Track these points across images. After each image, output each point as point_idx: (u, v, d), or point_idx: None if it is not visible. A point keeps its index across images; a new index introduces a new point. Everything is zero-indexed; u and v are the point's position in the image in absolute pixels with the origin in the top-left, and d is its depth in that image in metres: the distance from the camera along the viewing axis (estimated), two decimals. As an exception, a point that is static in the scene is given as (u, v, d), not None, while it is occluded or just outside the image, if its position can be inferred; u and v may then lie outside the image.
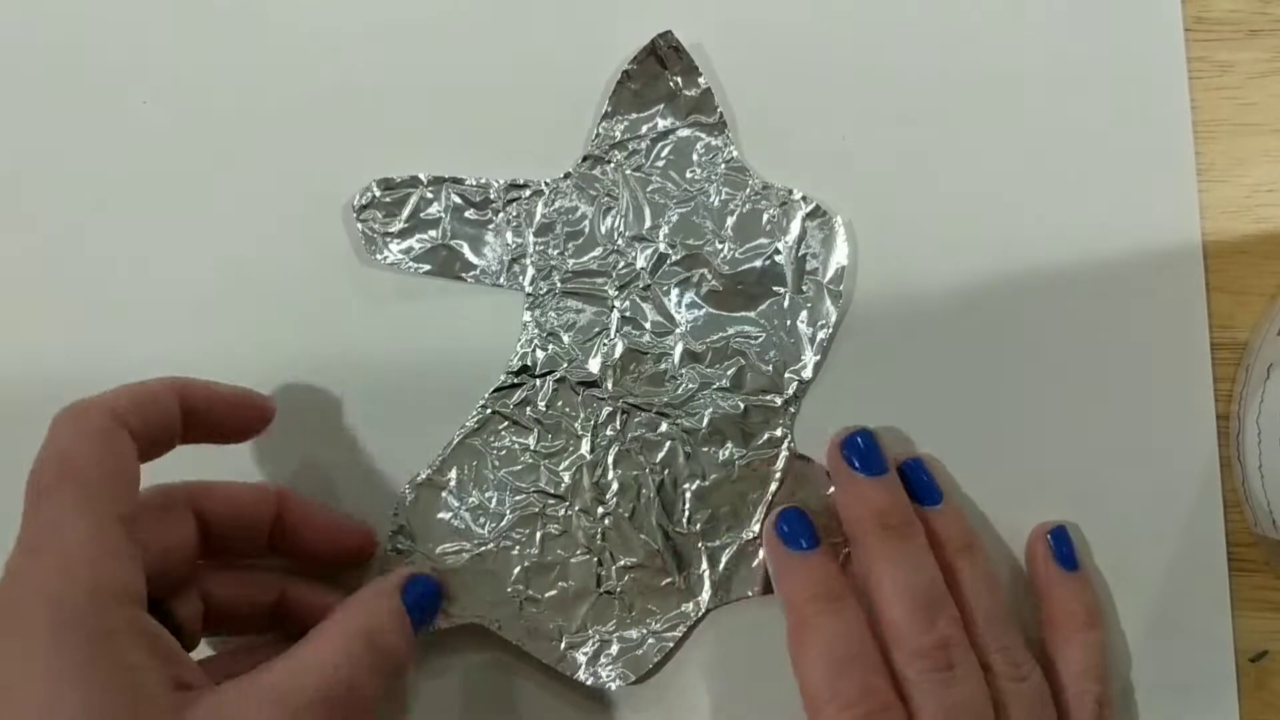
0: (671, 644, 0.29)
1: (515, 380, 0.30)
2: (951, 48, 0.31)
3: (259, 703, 0.22)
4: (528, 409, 0.30)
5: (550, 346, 0.30)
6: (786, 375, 0.30)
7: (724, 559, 0.29)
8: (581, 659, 0.29)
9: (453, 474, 0.30)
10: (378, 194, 0.30)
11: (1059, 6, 0.31)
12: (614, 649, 0.29)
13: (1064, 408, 0.30)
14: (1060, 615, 0.28)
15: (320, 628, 0.25)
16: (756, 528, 0.29)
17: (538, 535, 0.30)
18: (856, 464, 0.28)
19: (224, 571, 0.28)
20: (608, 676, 0.29)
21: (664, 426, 0.30)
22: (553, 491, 0.30)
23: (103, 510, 0.22)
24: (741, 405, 0.30)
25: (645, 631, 0.29)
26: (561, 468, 0.30)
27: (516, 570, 0.29)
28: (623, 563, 0.29)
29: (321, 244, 0.31)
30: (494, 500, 0.30)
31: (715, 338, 0.30)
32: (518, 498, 0.30)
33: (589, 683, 0.29)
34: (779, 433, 0.30)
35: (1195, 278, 0.30)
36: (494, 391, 0.30)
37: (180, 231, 0.31)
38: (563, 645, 0.29)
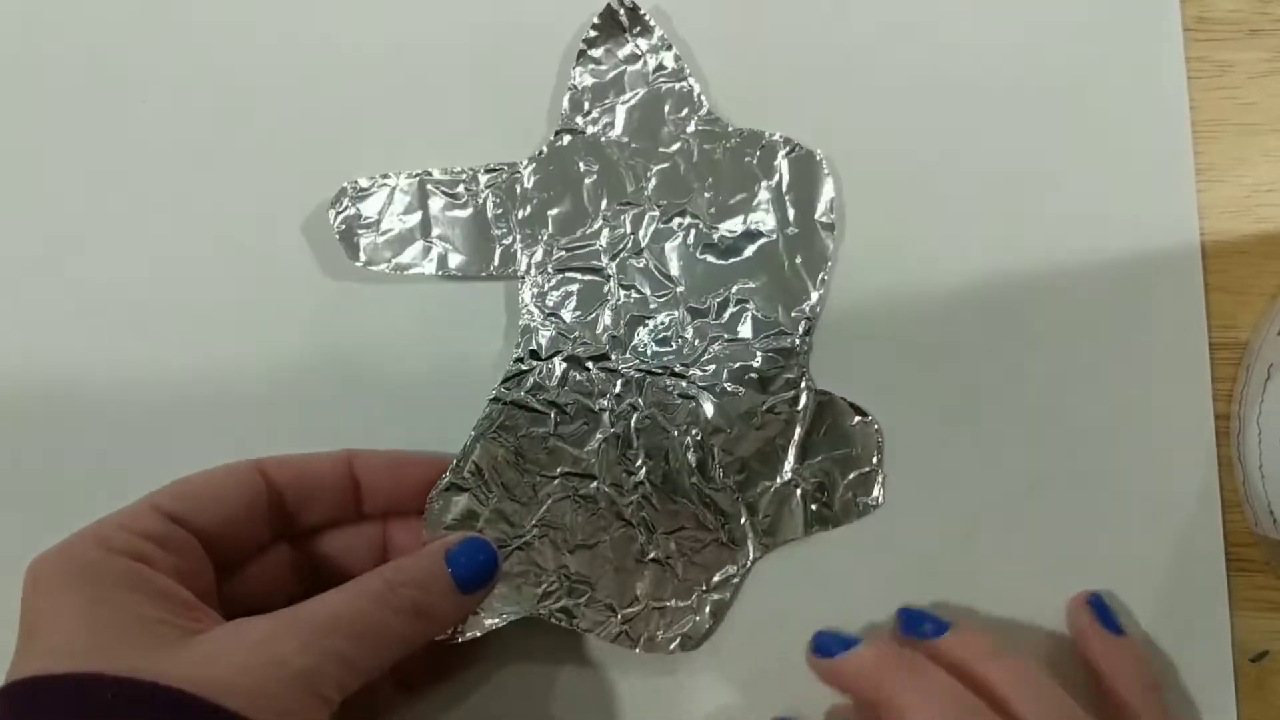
0: (726, 599, 0.29)
1: (523, 367, 0.29)
2: (948, 47, 0.31)
3: (269, 623, 0.23)
4: (540, 394, 0.29)
5: (552, 327, 0.30)
6: (793, 314, 0.30)
7: (763, 506, 0.29)
8: (640, 632, 0.29)
9: (476, 474, 0.29)
10: (351, 195, 0.29)
11: (1059, 6, 0.31)
12: (670, 616, 0.29)
13: (1063, 407, 0.30)
14: (1121, 684, 0.27)
15: (361, 576, 0.25)
16: (789, 471, 0.29)
17: (574, 519, 0.29)
18: (831, 649, 0.27)
19: (323, 530, 0.28)
20: (668, 644, 0.29)
21: (681, 386, 0.30)
22: (580, 472, 0.29)
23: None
24: (754, 352, 0.30)
25: (699, 592, 0.29)
26: (585, 447, 0.29)
27: (559, 557, 0.29)
28: (662, 529, 0.29)
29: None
30: (524, 493, 0.29)
31: (717, 289, 0.30)
32: (548, 486, 0.29)
33: (651, 653, 0.28)
34: (795, 373, 0.30)
35: (1194, 278, 0.30)
36: (504, 381, 0.29)
37: (166, 232, 0.31)
38: (618, 621, 0.29)
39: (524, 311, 0.30)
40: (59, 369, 0.31)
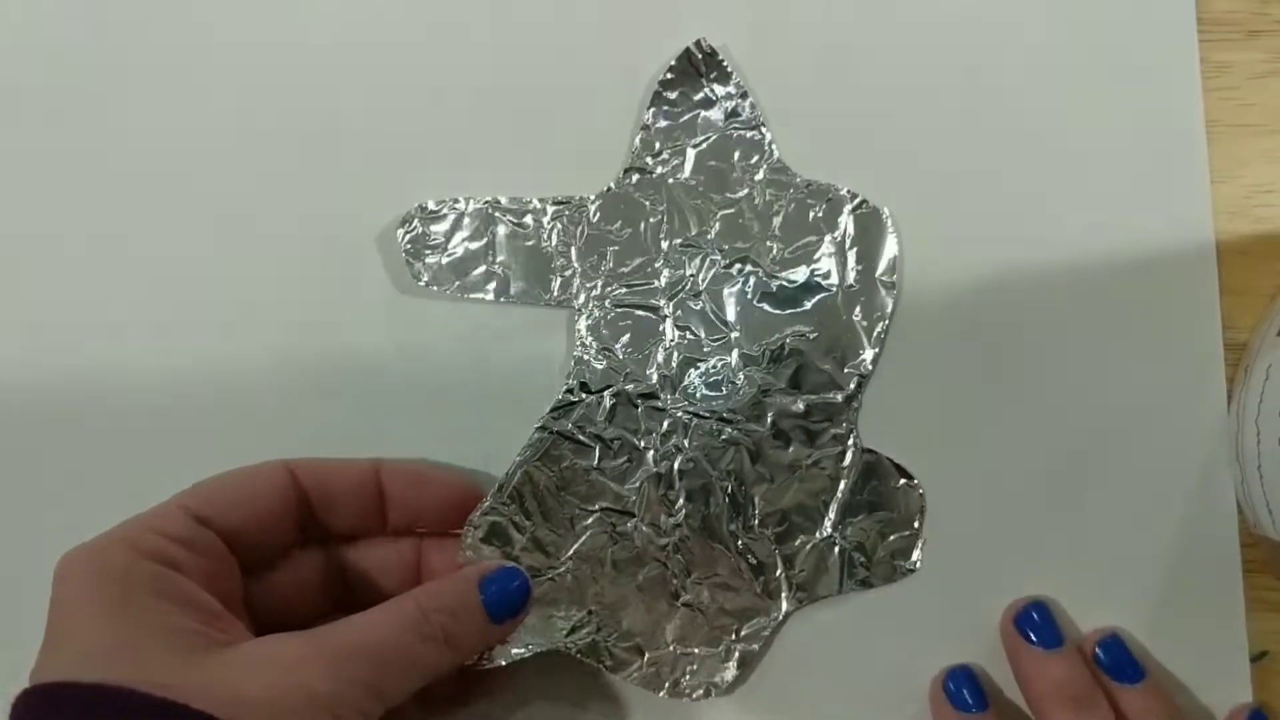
0: (756, 650, 0.29)
1: (573, 398, 0.30)
2: (967, 49, 0.31)
3: (298, 645, 0.23)
4: (587, 427, 0.29)
5: (605, 361, 0.30)
6: (846, 370, 0.30)
7: (800, 560, 0.29)
8: (666, 676, 0.28)
9: (516, 502, 0.29)
10: (420, 218, 0.30)
11: (1076, 8, 0.31)
12: (697, 662, 0.29)
13: (1079, 408, 0.30)
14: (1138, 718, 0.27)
15: (395, 599, 0.26)
16: (829, 528, 0.29)
17: (609, 554, 0.29)
18: (1034, 638, 0.28)
19: (353, 539, 0.29)
20: (693, 691, 0.28)
21: (727, 432, 0.29)
22: (620, 509, 0.29)
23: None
24: (803, 405, 0.29)
25: (728, 641, 0.29)
26: (627, 485, 0.29)
27: (590, 592, 0.29)
28: (697, 574, 0.29)
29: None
30: (561, 524, 0.29)
31: (771, 338, 0.30)
32: (586, 520, 0.29)
33: (675, 698, 0.28)
34: (843, 429, 0.29)
35: (1209, 279, 0.30)
36: (551, 411, 0.30)
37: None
38: (645, 662, 0.28)
39: (578, 343, 0.30)
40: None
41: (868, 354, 0.30)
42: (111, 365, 0.31)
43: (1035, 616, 0.28)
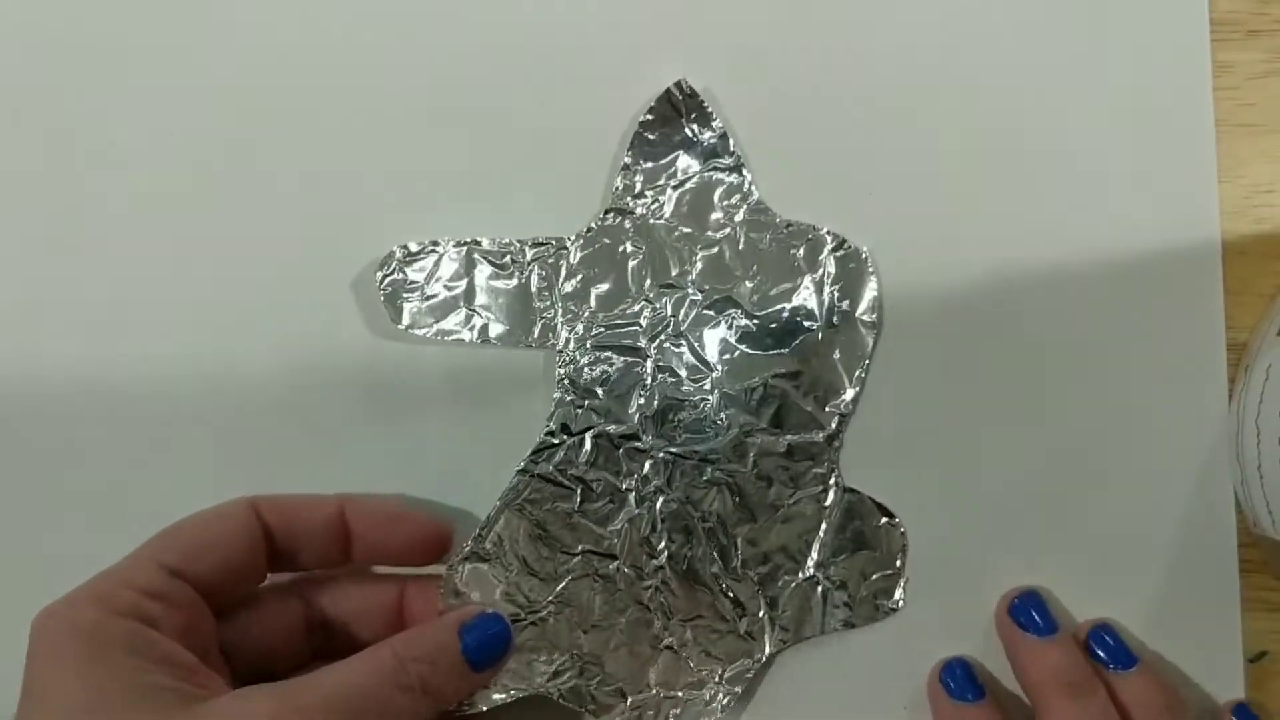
0: (740, 692, 0.29)
1: (554, 440, 0.29)
2: (973, 49, 0.31)
3: (275, 698, 0.23)
4: (568, 469, 0.29)
5: (586, 403, 0.30)
6: (827, 410, 0.30)
7: (783, 601, 0.29)
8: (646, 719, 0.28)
9: (498, 544, 0.29)
10: (399, 259, 0.30)
11: (1080, 7, 0.31)
12: (681, 706, 0.28)
13: (1079, 406, 0.30)
14: (1134, 704, 0.28)
15: (372, 648, 0.25)
16: (812, 568, 0.29)
17: (591, 598, 0.29)
18: (1029, 626, 0.28)
19: (333, 583, 0.29)
20: None
21: (709, 473, 0.29)
22: (602, 551, 0.29)
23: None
24: (785, 445, 0.29)
25: (711, 684, 0.29)
26: (609, 526, 0.29)
27: (572, 635, 0.29)
28: (680, 616, 0.29)
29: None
30: (543, 567, 0.29)
31: (752, 379, 0.30)
32: (568, 563, 0.29)
33: None
34: (825, 469, 0.29)
35: (1214, 278, 0.30)
36: (532, 454, 0.29)
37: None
38: (629, 706, 0.28)
39: (559, 385, 0.30)
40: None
41: (848, 393, 0.30)
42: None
43: (1029, 605, 0.28)
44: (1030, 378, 0.30)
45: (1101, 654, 0.28)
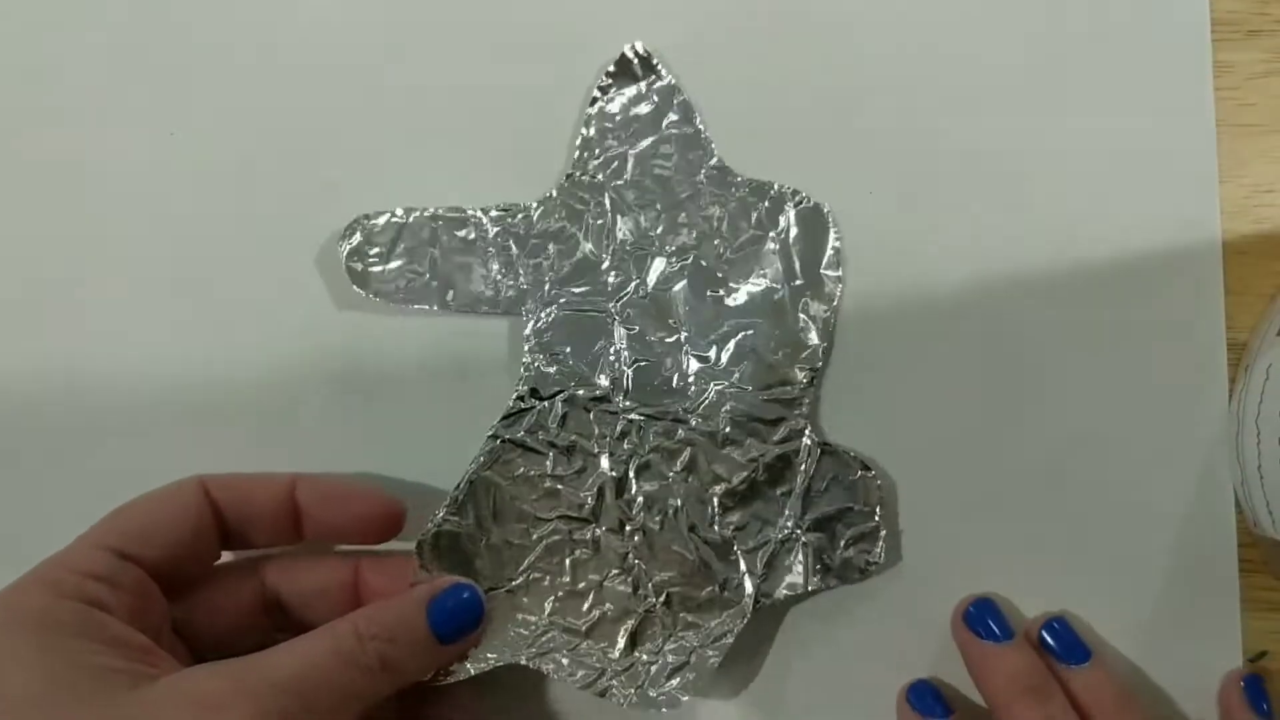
0: (720, 655, 0.28)
1: (523, 405, 0.29)
2: (974, 48, 0.31)
3: (225, 677, 0.23)
4: (539, 433, 0.29)
5: (555, 367, 0.29)
6: (797, 365, 0.30)
7: (761, 559, 0.29)
8: (629, 686, 0.28)
9: (470, 512, 0.28)
10: (361, 229, 0.30)
11: (1084, 5, 0.31)
12: (661, 669, 0.28)
13: (1078, 405, 0.30)
14: (1090, 700, 0.27)
15: (331, 623, 0.25)
16: (790, 524, 0.29)
17: (567, 562, 0.28)
18: (983, 633, 0.28)
19: (289, 561, 0.28)
20: (658, 699, 0.27)
21: (681, 433, 0.29)
22: (577, 515, 0.29)
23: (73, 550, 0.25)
24: (757, 401, 0.29)
25: (693, 646, 0.28)
26: (583, 490, 0.29)
27: (550, 602, 0.28)
28: (659, 578, 0.28)
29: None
30: (517, 533, 0.28)
31: (720, 336, 0.30)
32: (542, 528, 0.29)
33: (642, 709, 0.27)
34: (799, 424, 0.29)
35: (1214, 278, 0.30)
36: (502, 419, 0.29)
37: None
38: (607, 674, 0.28)
39: (526, 350, 0.29)
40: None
41: (818, 347, 0.30)
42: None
43: (984, 612, 0.28)
44: (1030, 377, 0.30)
45: (1055, 649, 0.28)
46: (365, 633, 0.24)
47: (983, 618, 0.28)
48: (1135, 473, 0.30)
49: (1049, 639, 0.28)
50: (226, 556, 0.28)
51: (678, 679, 0.28)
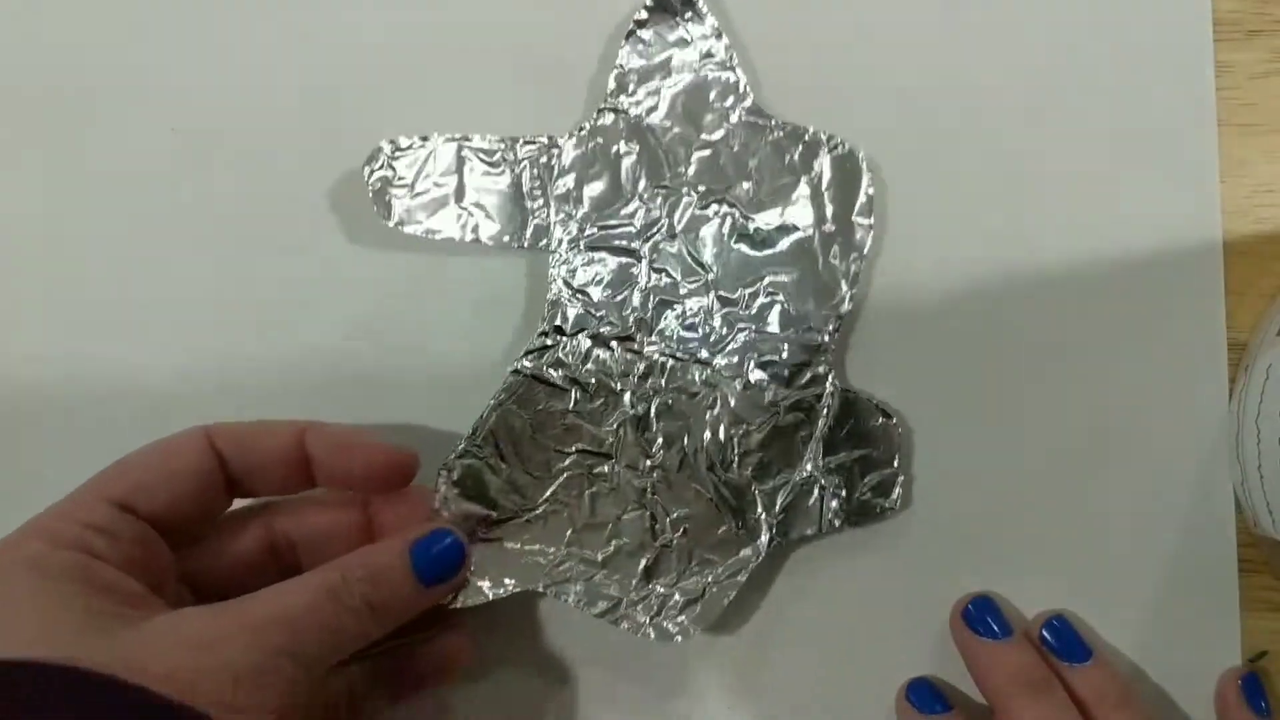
0: (733, 591, 0.28)
1: (547, 341, 0.29)
2: (974, 47, 0.31)
3: (217, 615, 0.23)
4: (562, 370, 0.29)
5: (579, 303, 0.29)
6: (824, 311, 0.30)
7: (779, 500, 0.29)
8: (644, 616, 0.28)
9: (491, 445, 0.28)
10: (387, 155, 0.29)
11: (1085, 5, 0.31)
12: (676, 602, 0.28)
13: (1079, 405, 0.30)
14: (1090, 697, 0.28)
15: (320, 567, 0.25)
16: (809, 467, 0.29)
17: (586, 496, 0.29)
18: (982, 631, 0.28)
19: (296, 507, 0.28)
20: (672, 630, 0.28)
21: (705, 374, 0.29)
22: (597, 451, 0.29)
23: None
24: (781, 345, 0.29)
25: (706, 581, 0.28)
26: (604, 427, 0.29)
27: (568, 533, 0.28)
28: (676, 514, 0.29)
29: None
30: (538, 466, 0.29)
31: (748, 280, 0.30)
32: (562, 461, 0.29)
33: (653, 638, 0.28)
34: (822, 369, 0.29)
35: (1215, 277, 0.30)
36: (526, 354, 0.29)
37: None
38: (623, 605, 0.28)
39: (552, 286, 0.29)
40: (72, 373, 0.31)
41: (845, 294, 0.30)
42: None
43: (982, 610, 0.29)
44: (1030, 377, 0.30)
45: (1056, 647, 0.28)
46: (351, 575, 0.25)
47: (982, 616, 0.28)
48: (1135, 472, 0.30)
49: (1049, 637, 0.28)
50: (238, 504, 0.28)
51: (691, 611, 0.28)
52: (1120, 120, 0.30)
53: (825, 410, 0.29)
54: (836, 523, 0.29)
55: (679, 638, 0.28)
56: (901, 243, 0.30)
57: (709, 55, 0.30)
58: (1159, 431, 0.30)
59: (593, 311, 0.29)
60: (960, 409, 0.30)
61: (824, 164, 0.30)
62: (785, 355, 0.29)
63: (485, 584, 0.28)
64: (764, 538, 0.29)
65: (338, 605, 0.24)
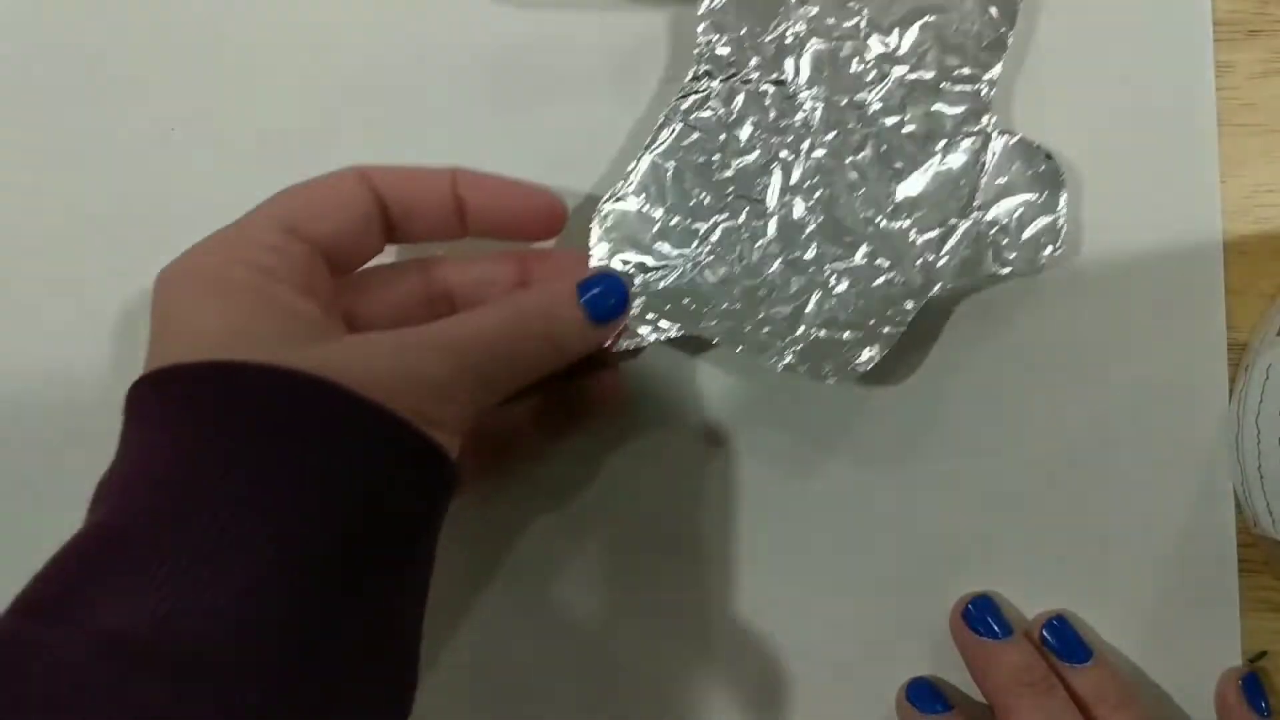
0: (894, 339, 0.27)
1: (698, 89, 0.28)
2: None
3: (407, 336, 0.23)
4: (716, 115, 0.28)
5: (730, 48, 0.28)
6: (982, 51, 0.28)
7: (939, 245, 0.28)
8: (805, 358, 0.27)
9: (644, 193, 0.28)
10: None
11: (1086, 5, 0.30)
12: (836, 346, 0.27)
13: (1079, 405, 0.29)
14: (1090, 697, 0.28)
15: (492, 302, 0.25)
16: (973, 213, 0.28)
17: (743, 243, 0.28)
18: (983, 631, 0.28)
19: (455, 257, 0.28)
20: (833, 373, 0.27)
21: (864, 123, 0.28)
22: (752, 197, 0.28)
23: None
24: (939, 88, 0.28)
25: (866, 325, 0.28)
26: (759, 175, 0.28)
27: (725, 280, 0.28)
28: (832, 260, 0.28)
29: None
30: (692, 212, 0.28)
31: (903, 19, 0.28)
32: (717, 206, 0.28)
33: (810, 378, 0.27)
34: (985, 119, 0.28)
35: (1215, 277, 0.29)
36: (678, 98, 0.28)
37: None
38: (783, 345, 0.27)
39: (700, 30, 0.28)
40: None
41: (1005, 33, 0.28)
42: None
43: (983, 609, 0.28)
44: (1030, 377, 0.30)
45: (1056, 647, 0.28)
46: (526, 307, 0.25)
47: (982, 615, 0.28)
48: (1135, 472, 0.29)
49: (1049, 637, 0.28)
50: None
51: (850, 356, 0.27)
52: (1120, 120, 0.30)
53: (987, 156, 0.28)
54: (998, 269, 0.28)
55: (831, 378, 0.27)
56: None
57: None
58: (1159, 431, 0.29)
59: (743, 56, 0.28)
60: (960, 408, 0.30)
61: None
62: (943, 98, 0.28)
63: (645, 329, 0.27)
64: (925, 282, 0.28)
65: (519, 332, 0.24)
